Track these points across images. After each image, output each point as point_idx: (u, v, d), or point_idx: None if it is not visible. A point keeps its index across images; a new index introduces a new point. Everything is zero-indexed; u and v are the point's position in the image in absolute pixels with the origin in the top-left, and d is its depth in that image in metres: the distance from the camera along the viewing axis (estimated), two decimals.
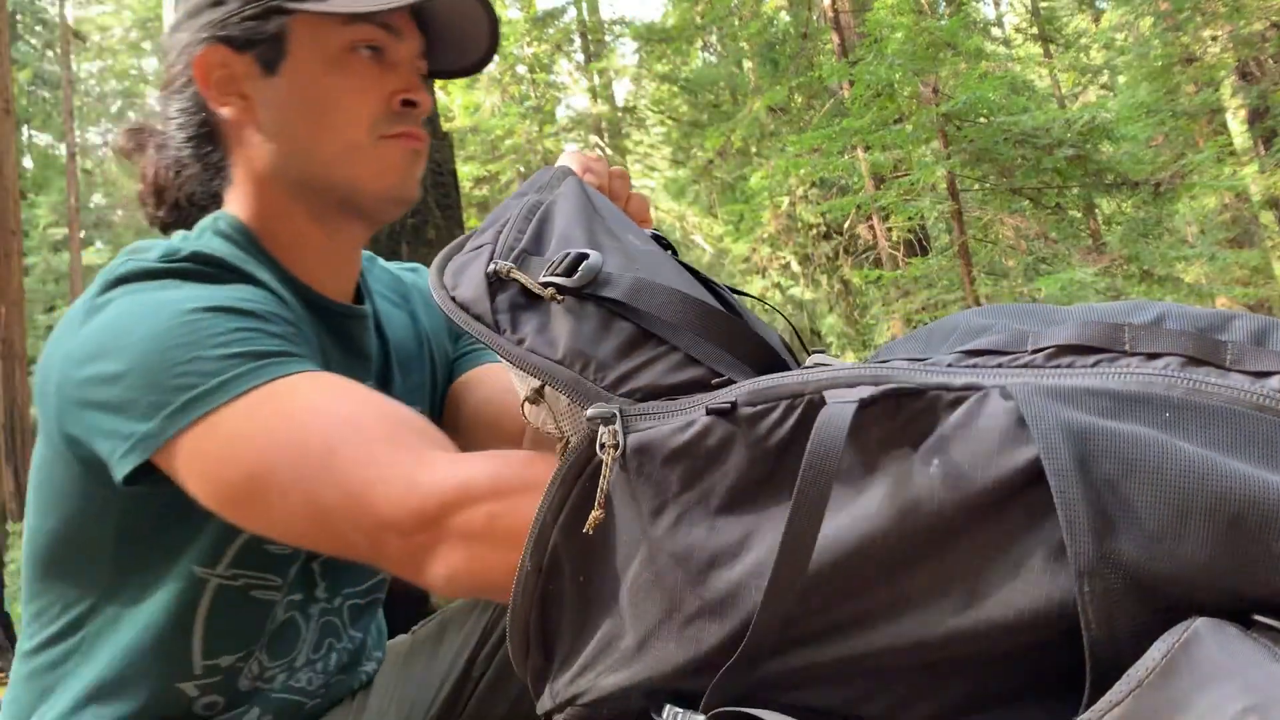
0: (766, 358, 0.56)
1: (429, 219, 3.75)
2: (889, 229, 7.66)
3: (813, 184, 8.61)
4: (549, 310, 0.58)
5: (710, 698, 0.47)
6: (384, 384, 0.95)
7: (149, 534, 0.77)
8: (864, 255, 8.92)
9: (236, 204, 0.88)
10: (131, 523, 0.77)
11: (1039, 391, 0.43)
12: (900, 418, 0.46)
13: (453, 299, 0.60)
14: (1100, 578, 0.39)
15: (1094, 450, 0.40)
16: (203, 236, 0.84)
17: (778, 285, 9.31)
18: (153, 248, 0.79)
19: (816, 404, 0.47)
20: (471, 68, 0.95)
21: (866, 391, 0.46)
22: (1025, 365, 0.46)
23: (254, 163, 0.86)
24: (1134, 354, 0.45)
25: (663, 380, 0.53)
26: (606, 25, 12.86)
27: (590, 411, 0.52)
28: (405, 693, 1.01)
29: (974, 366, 0.47)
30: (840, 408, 0.46)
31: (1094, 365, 0.45)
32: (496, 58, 0.93)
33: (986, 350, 0.48)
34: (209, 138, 0.87)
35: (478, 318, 0.59)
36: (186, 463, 0.67)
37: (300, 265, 0.87)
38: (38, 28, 17.95)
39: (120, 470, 0.69)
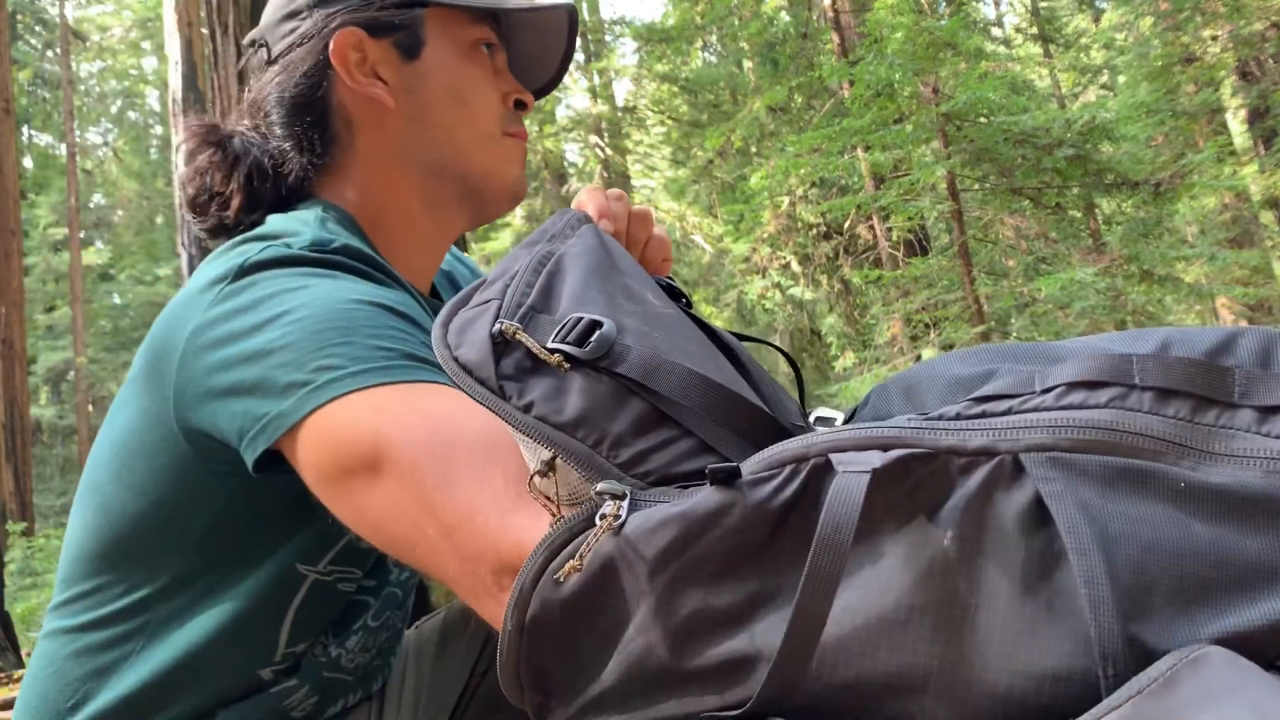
0: (782, 437, 0.54)
1: None
2: (889, 229, 7.66)
3: (813, 184, 8.61)
4: (558, 375, 0.55)
5: None
6: None
7: (247, 528, 0.76)
8: (864, 255, 8.92)
9: (338, 193, 0.86)
10: (231, 515, 0.75)
11: (1057, 466, 0.43)
12: (909, 482, 0.45)
13: (455, 360, 0.57)
14: (1123, 660, 0.39)
15: (1115, 534, 0.41)
16: (325, 227, 0.81)
17: (778, 285, 9.31)
18: (293, 234, 0.76)
19: (821, 468, 0.46)
20: (538, 91, 0.98)
21: (877, 459, 0.45)
22: (1035, 409, 0.45)
23: (384, 146, 0.86)
24: (1146, 389, 0.44)
25: (676, 467, 0.52)
26: (607, 25, 12.87)
27: (600, 486, 0.50)
28: (421, 698, 1.00)
29: (983, 415, 0.46)
30: (853, 478, 0.45)
31: (1107, 404, 0.44)
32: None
33: (995, 396, 0.47)
34: (322, 127, 0.86)
35: (482, 382, 0.56)
36: (309, 444, 0.64)
37: (398, 255, 0.86)
38: (38, 27, 17.96)
39: (250, 454, 0.66)
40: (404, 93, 0.85)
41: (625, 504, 0.49)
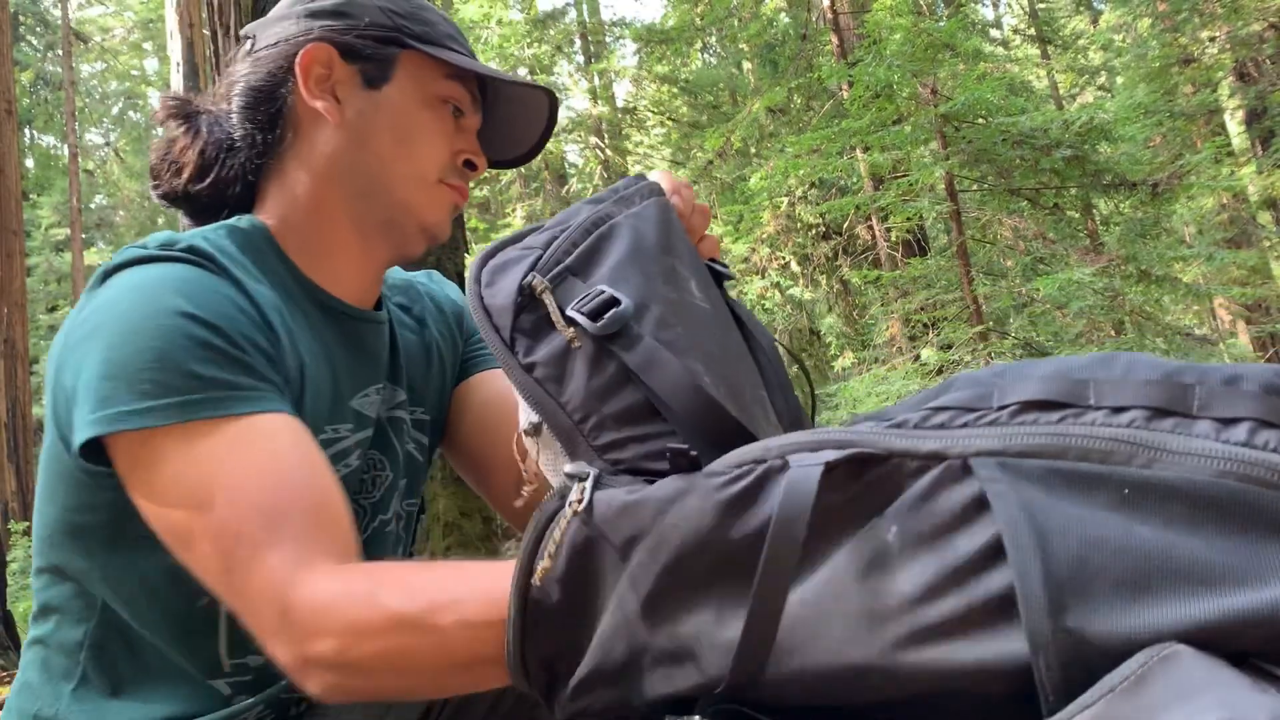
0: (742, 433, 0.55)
1: None
2: (888, 229, 7.68)
3: (812, 184, 8.63)
4: (568, 344, 0.56)
5: (703, 708, 0.49)
6: (398, 379, 0.98)
7: (140, 530, 0.76)
8: (863, 255, 8.94)
9: (273, 199, 0.91)
10: (124, 518, 0.76)
11: (1003, 469, 0.43)
12: (862, 482, 0.46)
13: (480, 299, 0.59)
14: (1055, 653, 0.39)
15: (1055, 529, 0.41)
16: (215, 233, 0.86)
17: (777, 285, 9.33)
18: (153, 240, 0.82)
19: (777, 469, 0.47)
20: (510, 162, 1.04)
21: (831, 455, 0.46)
22: (991, 424, 0.46)
23: (319, 158, 0.90)
24: (1099, 408, 0.44)
25: (651, 463, 0.53)
26: (607, 27, 12.89)
27: (568, 468, 0.52)
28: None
29: (940, 426, 0.47)
30: (805, 471, 0.46)
31: (1059, 421, 0.44)
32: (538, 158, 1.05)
33: (951, 407, 0.48)
34: (274, 125, 0.91)
35: (496, 329, 0.58)
36: (127, 468, 0.72)
37: (323, 268, 0.91)
38: (39, 29, 17.97)
39: (73, 446, 0.72)
40: (353, 115, 0.90)
41: (589, 485, 0.51)
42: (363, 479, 0.94)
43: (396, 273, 1.09)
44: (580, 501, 0.50)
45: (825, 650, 0.45)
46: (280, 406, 0.75)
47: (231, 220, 0.89)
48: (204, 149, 0.93)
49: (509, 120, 1.00)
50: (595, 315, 0.56)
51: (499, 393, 1.07)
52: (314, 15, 0.92)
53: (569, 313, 0.56)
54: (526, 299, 0.58)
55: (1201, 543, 0.40)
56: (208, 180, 0.93)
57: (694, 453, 0.50)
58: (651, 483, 0.51)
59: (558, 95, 0.99)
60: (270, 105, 0.91)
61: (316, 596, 0.64)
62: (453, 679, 0.62)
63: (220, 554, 0.68)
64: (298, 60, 0.89)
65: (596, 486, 0.51)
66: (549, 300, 0.57)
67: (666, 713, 0.51)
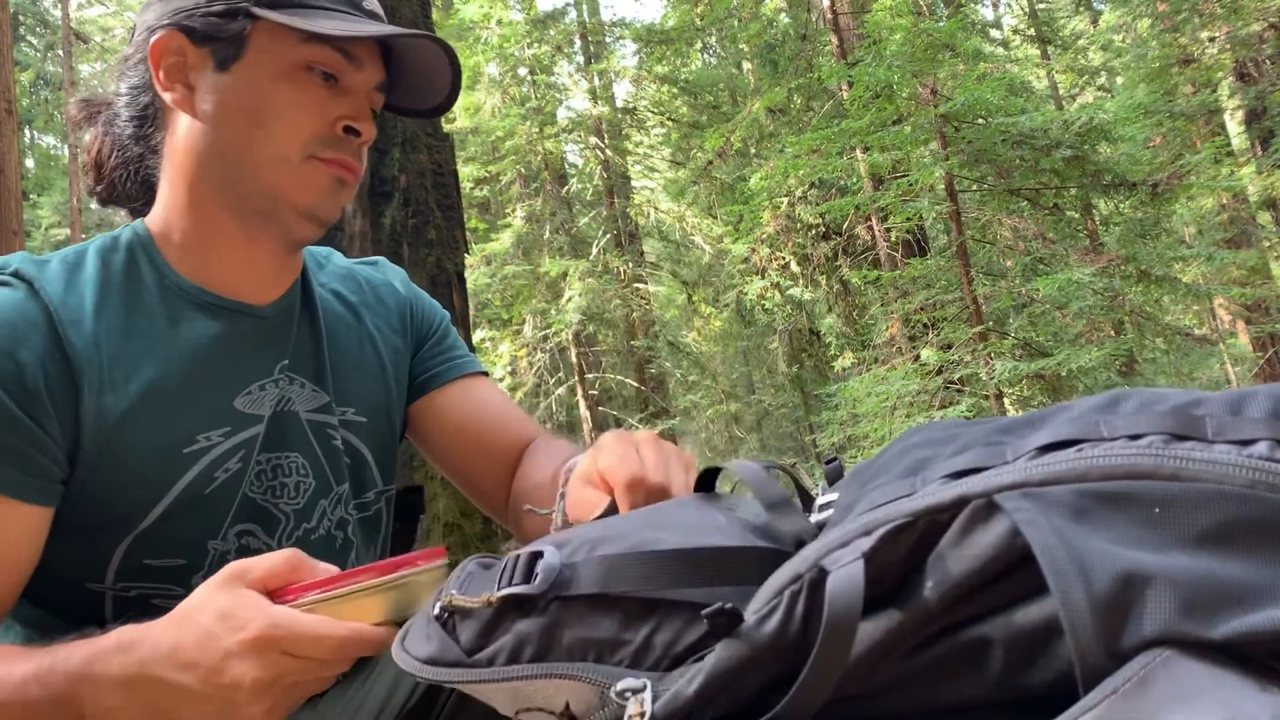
0: (768, 558, 0.53)
1: (430, 219, 3.78)
2: (888, 229, 7.68)
3: (812, 185, 8.63)
4: (518, 618, 0.53)
5: None
6: (317, 378, 0.95)
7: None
8: (863, 256, 8.93)
9: (159, 199, 0.90)
10: None
11: (1029, 499, 0.43)
12: (898, 553, 0.46)
13: (417, 661, 0.55)
14: (1104, 677, 0.38)
15: (1091, 552, 0.40)
16: (81, 249, 0.87)
17: (777, 285, 9.33)
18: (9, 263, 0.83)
19: (816, 580, 0.46)
20: (430, 110, 0.96)
21: (866, 544, 0.46)
22: (1009, 465, 0.45)
23: (182, 152, 0.87)
24: (1114, 439, 0.44)
25: (681, 643, 0.51)
26: (606, 27, 12.89)
27: (619, 686, 0.50)
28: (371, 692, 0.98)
29: (956, 476, 0.47)
30: (845, 572, 0.45)
31: (1076, 453, 0.44)
32: (458, 104, 0.97)
33: (967, 470, 0.47)
34: (151, 120, 0.89)
35: (453, 665, 0.53)
36: None
37: (207, 264, 0.89)
38: (40, 29, 17.96)
39: None
40: (206, 102, 0.85)
41: (647, 696, 0.49)
42: (270, 485, 0.91)
43: (337, 259, 1.06)
44: (642, 715, 0.48)
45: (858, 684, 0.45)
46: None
47: (119, 229, 0.89)
48: (100, 148, 0.92)
49: (419, 66, 0.92)
50: (526, 577, 0.54)
51: (480, 400, 1.05)
52: (163, 1, 0.87)
53: (499, 594, 0.54)
54: (449, 620, 0.56)
55: (1239, 556, 0.39)
56: (103, 181, 0.93)
57: (727, 606, 0.48)
58: (700, 659, 0.50)
59: (449, 44, 0.91)
60: (142, 101, 0.89)
61: None
62: None
63: None
64: (148, 52, 0.86)
65: (655, 696, 0.49)
66: (464, 601, 0.55)
67: None
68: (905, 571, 0.46)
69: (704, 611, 0.48)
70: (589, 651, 0.52)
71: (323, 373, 0.95)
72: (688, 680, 0.48)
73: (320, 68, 0.85)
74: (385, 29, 0.86)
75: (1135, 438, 0.43)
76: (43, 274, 0.82)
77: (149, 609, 0.84)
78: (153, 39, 0.86)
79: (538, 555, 0.54)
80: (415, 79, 0.93)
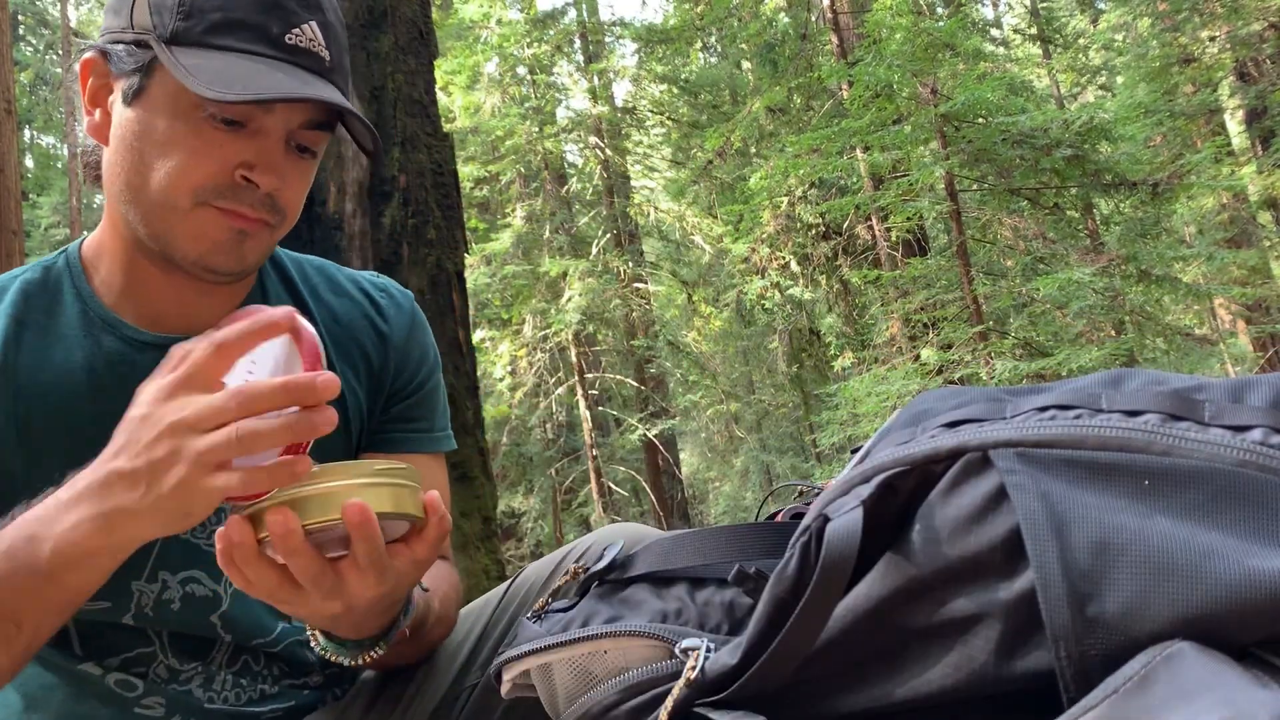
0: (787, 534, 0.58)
1: (429, 219, 3.77)
2: (888, 229, 7.68)
3: (812, 184, 8.62)
4: (605, 597, 0.65)
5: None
6: None
7: None
8: (863, 255, 8.93)
9: (98, 229, 0.88)
10: None
11: (1022, 459, 0.44)
12: (898, 499, 0.48)
13: (509, 666, 0.65)
14: (1075, 642, 0.39)
15: (1075, 519, 0.41)
16: (14, 275, 0.87)
17: (777, 285, 9.33)
18: None
19: (821, 527, 0.49)
20: (365, 149, 0.86)
21: (865, 491, 0.48)
22: (1006, 421, 0.47)
23: (105, 177, 0.84)
24: (1113, 411, 0.45)
25: (739, 603, 0.60)
26: (606, 26, 12.89)
27: (685, 644, 0.57)
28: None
29: (954, 426, 0.48)
30: (845, 519, 0.47)
31: (1075, 417, 0.45)
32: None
33: (965, 420, 0.48)
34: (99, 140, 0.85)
35: (541, 641, 0.63)
36: None
37: (129, 298, 0.86)
38: (39, 29, 17.96)
39: None
40: (114, 133, 0.81)
41: (701, 653, 0.55)
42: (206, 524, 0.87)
43: (329, 274, 0.98)
44: (694, 669, 0.55)
45: (855, 655, 0.47)
46: None
47: (57, 252, 0.88)
48: (86, 164, 0.90)
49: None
50: (603, 565, 0.68)
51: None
52: (106, 14, 0.84)
53: (583, 574, 0.70)
54: (535, 619, 0.69)
55: (1221, 530, 0.40)
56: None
57: (751, 569, 0.56)
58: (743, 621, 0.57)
59: (346, 108, 0.80)
60: (91, 124, 0.84)
61: None
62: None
63: None
64: (78, 70, 0.82)
65: (706, 654, 0.56)
66: (546, 599, 0.73)
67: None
68: (900, 518, 0.48)
69: (730, 576, 0.55)
70: (656, 616, 0.60)
71: None
72: (736, 645, 0.53)
73: (220, 114, 0.77)
74: (286, 88, 0.75)
75: (1134, 414, 0.44)
76: None
77: (116, 628, 0.85)
78: (84, 56, 0.82)
79: (604, 549, 0.67)
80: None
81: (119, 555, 0.65)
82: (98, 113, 0.82)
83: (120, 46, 0.80)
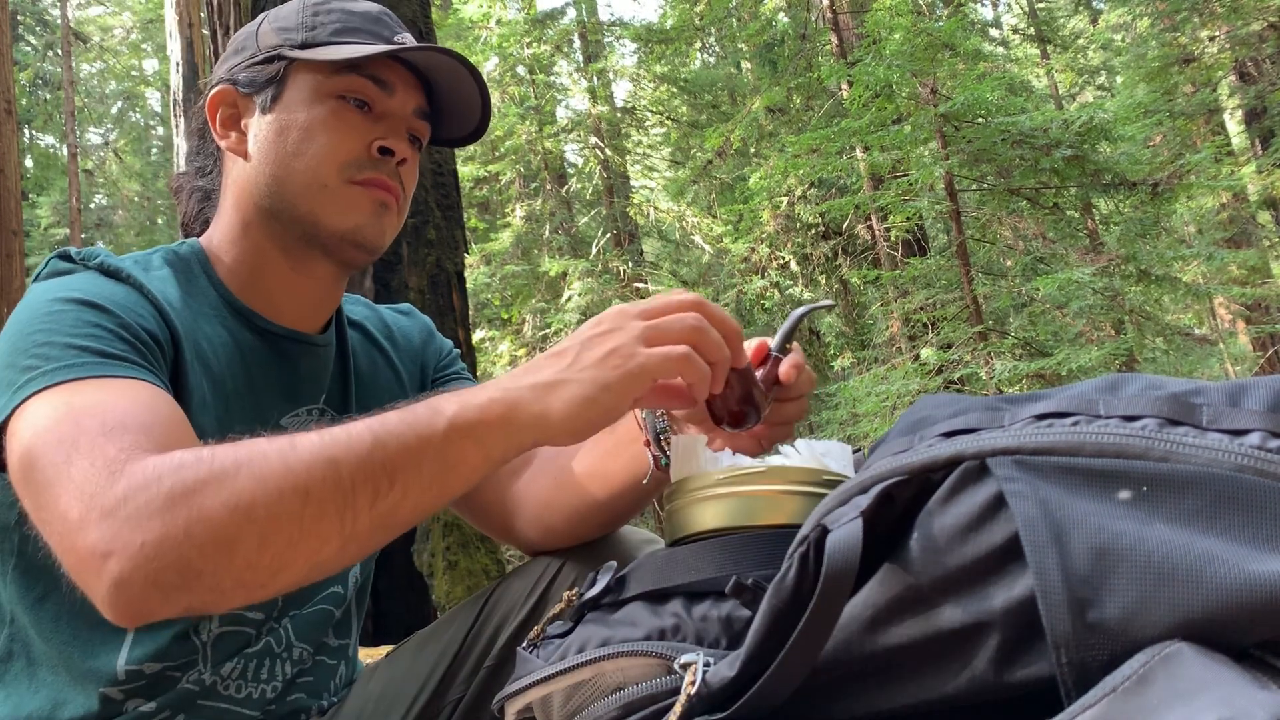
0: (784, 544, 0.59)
1: (429, 219, 3.78)
2: (887, 229, 7.68)
3: (811, 184, 8.62)
4: (600, 620, 0.65)
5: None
6: (342, 410, 0.99)
7: (43, 546, 0.72)
8: (862, 255, 8.93)
9: (214, 230, 0.97)
10: (31, 531, 0.76)
11: (1020, 467, 0.44)
12: (897, 507, 0.48)
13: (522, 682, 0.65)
14: (1076, 648, 0.39)
15: (1074, 524, 0.41)
16: (147, 254, 0.93)
17: (776, 285, 9.33)
18: (76, 253, 0.87)
19: (820, 539, 0.49)
20: (467, 137, 1.02)
21: (864, 501, 0.48)
22: (1004, 429, 0.47)
23: (234, 190, 0.95)
24: (1110, 417, 0.45)
25: (735, 617, 0.59)
26: (605, 26, 12.89)
27: (683, 659, 0.57)
28: (377, 703, 1.00)
29: (951, 435, 0.48)
30: (844, 530, 0.47)
31: (1072, 425, 0.45)
32: (488, 130, 1.01)
33: (963, 430, 0.48)
34: (208, 169, 0.98)
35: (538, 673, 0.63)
36: (9, 447, 0.70)
37: (255, 291, 0.94)
38: (39, 28, 17.95)
39: None
40: (254, 142, 0.93)
41: (699, 667, 0.55)
42: None
43: (369, 308, 1.11)
44: (693, 684, 0.55)
45: (852, 660, 0.48)
46: (156, 381, 0.75)
47: (173, 244, 0.95)
48: (179, 189, 1.02)
49: (457, 95, 0.97)
50: (597, 588, 0.67)
51: None
52: (223, 61, 0.97)
53: (575, 601, 0.68)
54: (531, 648, 0.69)
55: (1220, 535, 0.39)
56: (182, 221, 1.02)
57: (747, 581, 0.56)
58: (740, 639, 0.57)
59: (473, 65, 0.95)
60: (206, 151, 0.98)
61: (149, 462, 0.61)
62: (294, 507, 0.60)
63: (58, 452, 0.64)
64: (206, 106, 0.95)
65: (705, 667, 0.56)
66: (542, 626, 0.71)
67: None
68: (899, 526, 0.48)
69: (727, 588, 0.55)
70: (653, 634, 0.60)
71: (348, 402, 1.00)
72: (735, 657, 0.53)
73: (353, 96, 0.91)
74: (402, 47, 0.92)
75: (1131, 419, 0.44)
76: (129, 266, 0.87)
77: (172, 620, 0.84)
78: (209, 94, 0.95)
79: (597, 573, 0.66)
80: (455, 108, 0.99)
81: (511, 439, 0.65)
82: (233, 135, 0.94)
83: (249, 71, 0.93)
